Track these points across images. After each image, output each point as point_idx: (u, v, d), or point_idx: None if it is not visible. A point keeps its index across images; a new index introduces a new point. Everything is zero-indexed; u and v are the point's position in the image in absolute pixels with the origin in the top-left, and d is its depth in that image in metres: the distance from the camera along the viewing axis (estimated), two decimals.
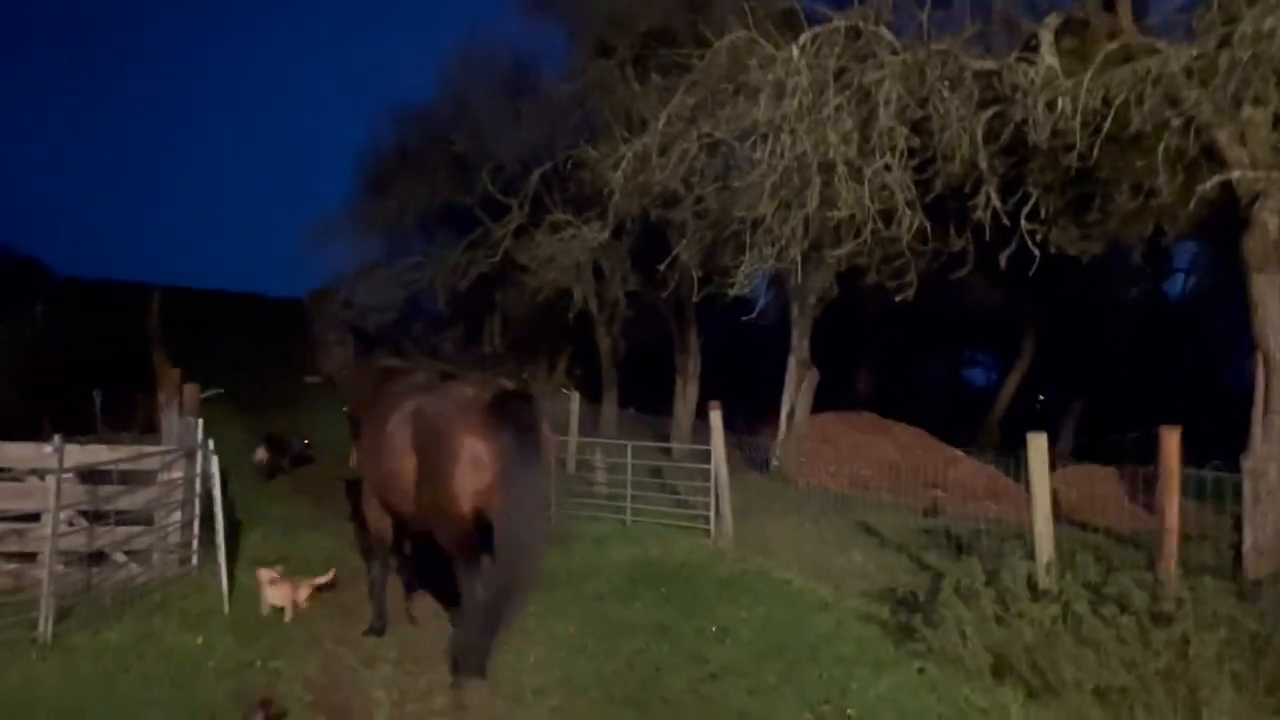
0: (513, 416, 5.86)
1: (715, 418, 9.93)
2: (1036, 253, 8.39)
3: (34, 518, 7.13)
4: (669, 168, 9.31)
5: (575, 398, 14.08)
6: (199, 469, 7.76)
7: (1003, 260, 8.83)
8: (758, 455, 15.93)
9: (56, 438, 6.27)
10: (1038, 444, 7.00)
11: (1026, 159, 8.54)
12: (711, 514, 9.92)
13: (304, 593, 7.21)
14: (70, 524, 7.29)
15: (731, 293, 9.69)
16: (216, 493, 7.37)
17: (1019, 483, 15.64)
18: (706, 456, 10.28)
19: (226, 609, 6.97)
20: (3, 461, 7.34)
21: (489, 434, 5.79)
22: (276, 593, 7.03)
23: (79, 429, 13.84)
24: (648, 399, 21.99)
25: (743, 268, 9.20)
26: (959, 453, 17.03)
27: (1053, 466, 15.27)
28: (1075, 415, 22.57)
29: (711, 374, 18.67)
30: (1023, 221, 8.35)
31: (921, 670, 6.23)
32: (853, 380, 24.15)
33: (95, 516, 7.32)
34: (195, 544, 7.93)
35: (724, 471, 9.92)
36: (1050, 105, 7.86)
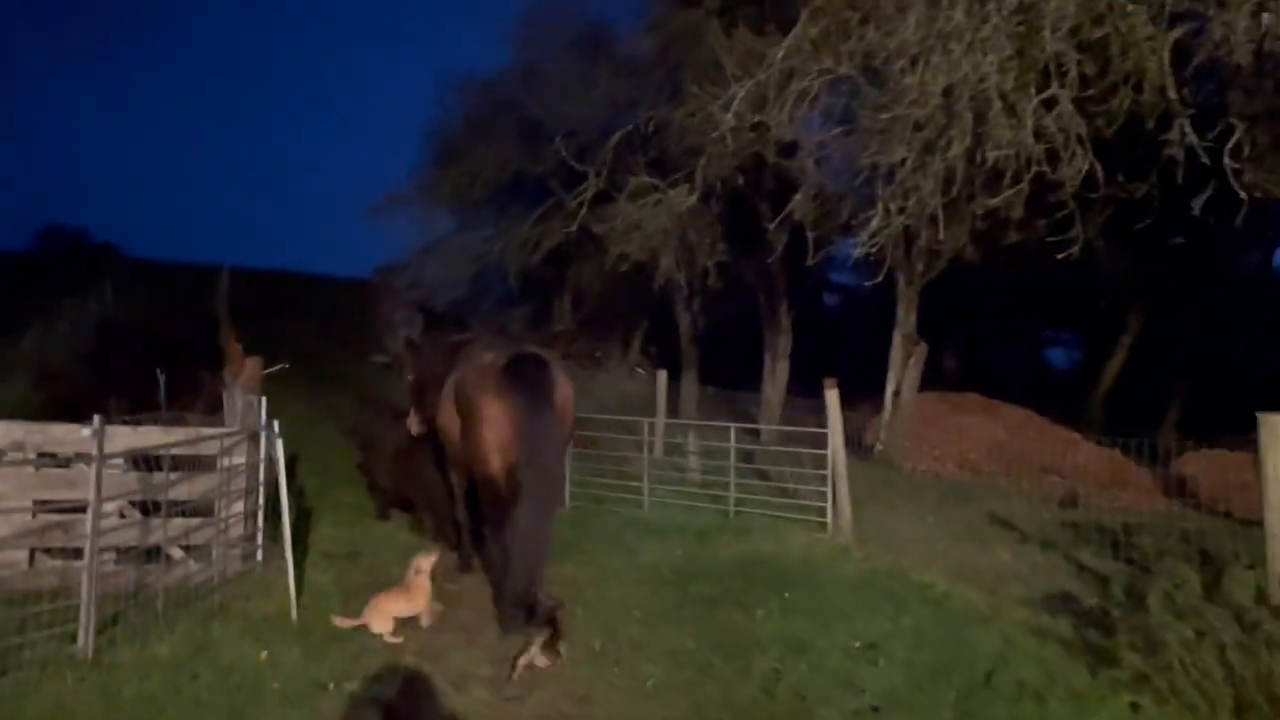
0: (527, 377, 6.21)
1: (832, 397, 8.76)
2: (1244, 196, 7.00)
3: (83, 509, 6.34)
4: (785, 108, 8.12)
5: (661, 376, 13.00)
6: (263, 453, 6.89)
7: (1196, 207, 7.45)
8: (854, 437, 14.71)
9: (97, 418, 5.39)
10: (1273, 427, 5.67)
11: (1226, 85, 7.18)
12: (828, 505, 8.77)
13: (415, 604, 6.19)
14: (122, 516, 6.48)
15: (856, 253, 8.48)
16: (282, 479, 6.48)
17: (1145, 468, 14.43)
18: (813, 440, 9.17)
19: (294, 615, 6.07)
20: (47, 445, 6.55)
21: (503, 394, 6.17)
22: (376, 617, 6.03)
23: (145, 409, 13.31)
24: (727, 377, 20.89)
25: (873, 223, 7.98)
26: (1076, 435, 15.56)
27: (1178, 452, 13.97)
28: (1180, 396, 20.72)
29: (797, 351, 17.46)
30: (1226, 159, 6.97)
31: (1136, 707, 5.03)
32: (938, 360, 22.63)
33: (149, 508, 6.49)
34: (259, 537, 7.07)
35: (842, 457, 8.75)
36: (1255, 18, 6.49)
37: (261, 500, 7.04)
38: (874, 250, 8.10)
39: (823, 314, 19.63)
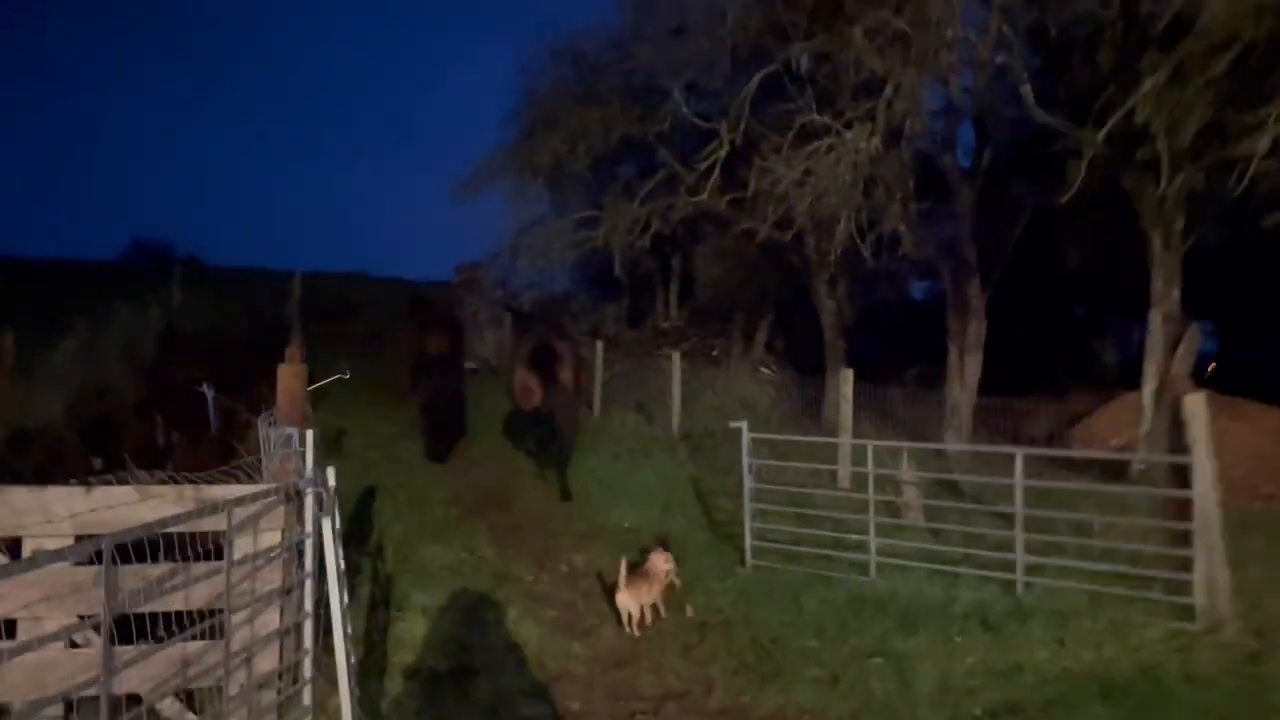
0: (544, 360, 10.17)
1: (1196, 406, 5.55)
2: None
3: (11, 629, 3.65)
4: None
5: (846, 376, 9.81)
6: (308, 522, 4.04)
7: None
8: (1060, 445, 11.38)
9: None
10: None
11: None
12: (1195, 577, 5.52)
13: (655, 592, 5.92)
14: (73, 645, 3.71)
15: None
16: (335, 579, 3.62)
17: None
18: (1111, 470, 5.98)
19: None
20: None
21: (530, 370, 10.19)
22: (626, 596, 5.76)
23: (196, 424, 10.87)
24: (876, 375, 17.54)
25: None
26: None
27: None
28: None
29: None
30: None
31: None
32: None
33: (125, 625, 3.69)
34: (307, 666, 4.22)
35: (1214, 499, 5.52)
36: None
37: (309, 602, 4.18)
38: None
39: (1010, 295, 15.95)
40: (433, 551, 7.28)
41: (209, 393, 10.57)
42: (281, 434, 3.95)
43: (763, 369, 19.23)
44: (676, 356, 13.62)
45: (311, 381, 6.88)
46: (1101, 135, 8.25)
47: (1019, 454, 6.22)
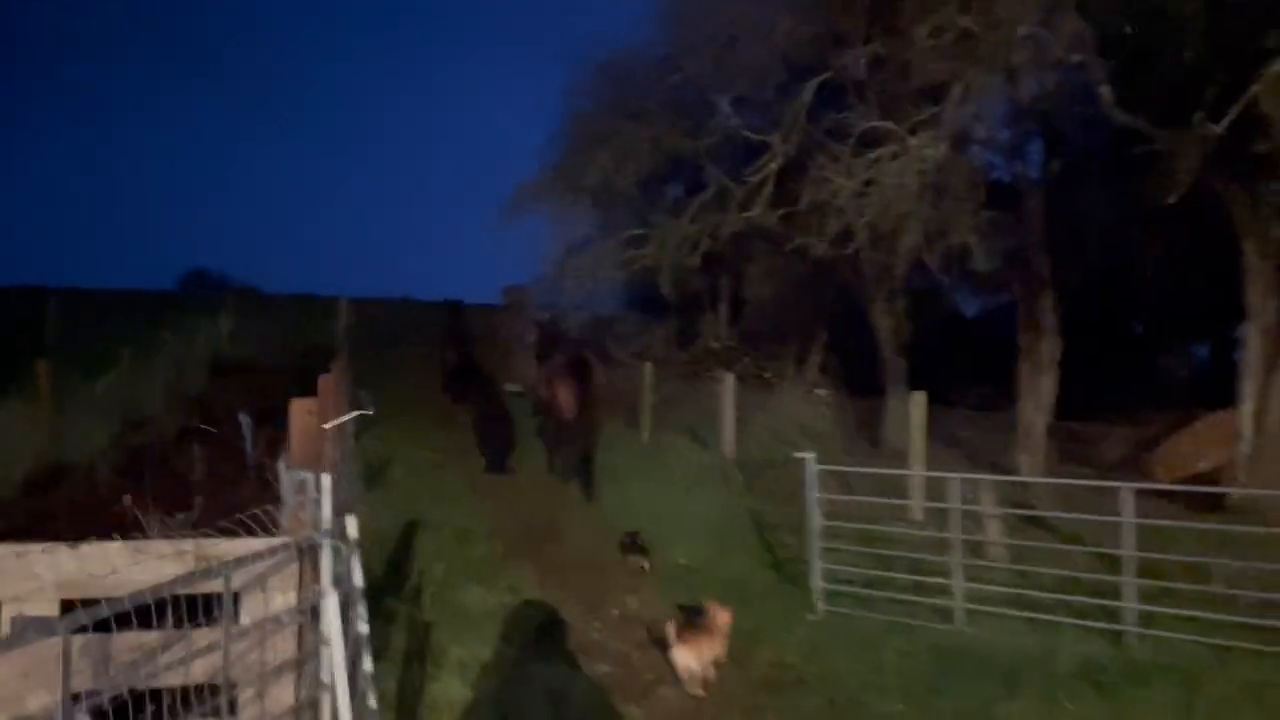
0: (578, 371, 11.04)
1: None
2: None
3: None
4: None
5: (917, 401, 9.11)
6: (323, 578, 3.53)
7: None
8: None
9: None
10: None
11: None
12: None
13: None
14: None
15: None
16: (340, 656, 3.10)
17: None
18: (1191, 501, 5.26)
19: None
20: None
21: (565, 379, 11.02)
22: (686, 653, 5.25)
23: (234, 456, 10.58)
24: (936, 395, 16.72)
25: None
26: None
27: None
28: None
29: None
30: None
31: None
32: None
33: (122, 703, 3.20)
34: None
35: None
36: None
37: (328, 672, 3.66)
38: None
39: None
40: (474, 595, 6.77)
41: (246, 424, 10.27)
42: (296, 478, 3.45)
43: (816, 390, 18.52)
44: (729, 379, 13.00)
45: (329, 416, 6.45)
46: (1222, 127, 7.50)
47: (1127, 490, 5.51)
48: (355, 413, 5.05)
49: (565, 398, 10.80)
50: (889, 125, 9.22)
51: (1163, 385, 18.28)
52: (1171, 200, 8.00)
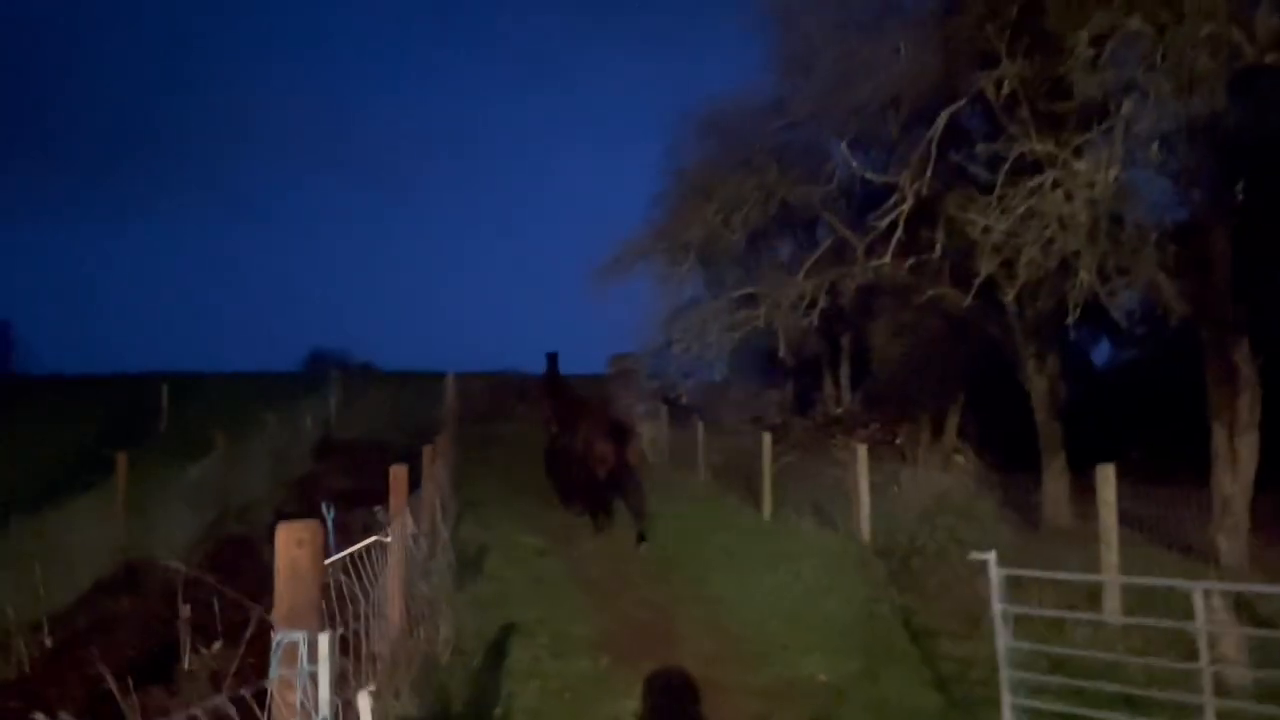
0: (620, 433, 12.23)
1: None
2: None
3: None
4: None
5: (1105, 477, 7.43)
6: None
7: None
8: None
9: None
10: None
11: None
12: None
13: None
14: None
15: None
16: None
17: None
18: None
19: None
20: None
21: (607, 440, 12.02)
22: None
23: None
24: (1086, 463, 14.64)
25: None
26: None
27: None
28: None
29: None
30: None
31: None
32: None
33: None
34: None
35: None
36: None
37: None
38: None
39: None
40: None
41: (328, 515, 9.40)
42: (283, 641, 2.35)
43: (955, 457, 16.73)
44: (861, 451, 11.51)
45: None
46: None
47: None
48: (370, 539, 3.95)
49: (604, 451, 11.91)
50: (1049, 148, 7.81)
51: None
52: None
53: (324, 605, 2.61)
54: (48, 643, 6.19)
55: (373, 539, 3.80)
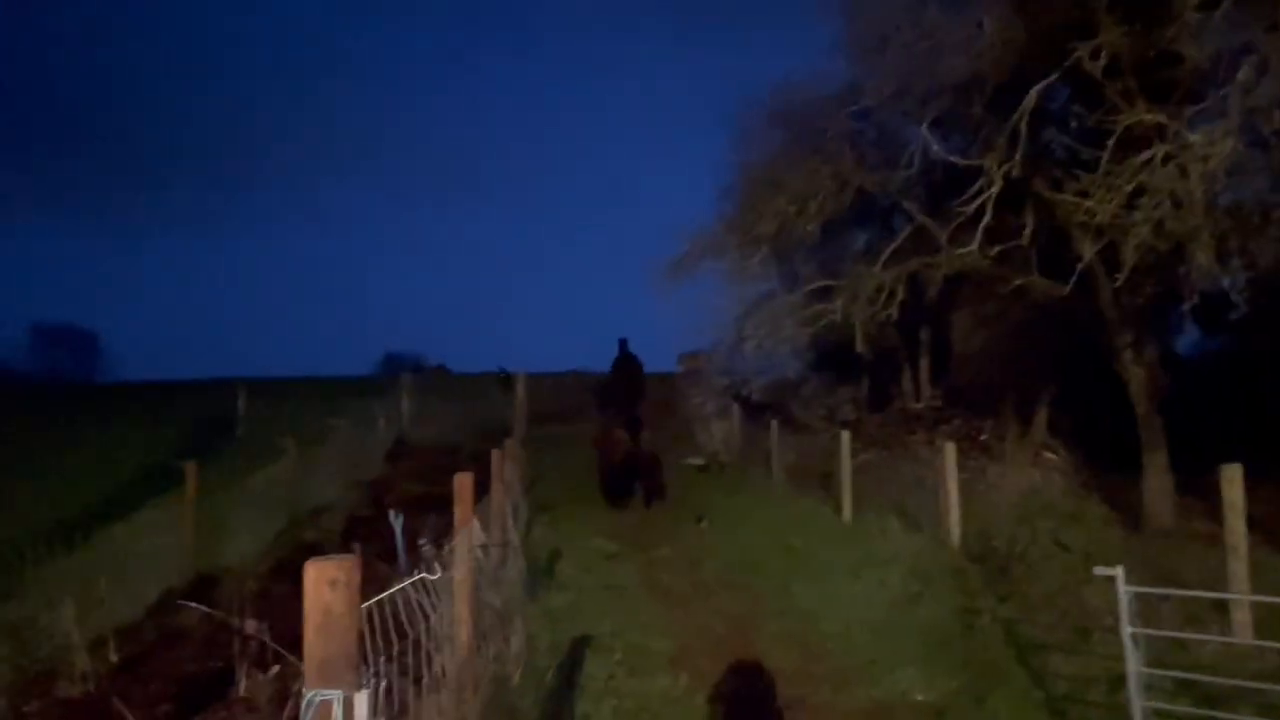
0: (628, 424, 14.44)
1: None
2: None
3: None
4: None
5: (1230, 477, 6.71)
6: None
7: None
8: None
9: None
10: None
11: None
12: None
13: None
14: None
15: None
16: None
17: None
18: None
19: None
20: None
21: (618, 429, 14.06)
22: None
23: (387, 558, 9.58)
24: (1198, 463, 13.65)
25: None
26: None
27: None
28: None
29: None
30: None
31: None
32: None
33: None
34: None
35: None
36: None
37: None
38: None
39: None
40: None
41: (396, 522, 9.26)
42: (314, 701, 2.01)
43: (1046, 454, 15.88)
44: (949, 448, 10.87)
45: (467, 521, 5.12)
46: None
47: None
48: (415, 577, 3.60)
49: (618, 438, 14.19)
50: (1159, 119, 7.14)
51: None
52: None
53: (375, 629, 2.27)
54: (113, 658, 6.06)
55: (418, 576, 3.43)
